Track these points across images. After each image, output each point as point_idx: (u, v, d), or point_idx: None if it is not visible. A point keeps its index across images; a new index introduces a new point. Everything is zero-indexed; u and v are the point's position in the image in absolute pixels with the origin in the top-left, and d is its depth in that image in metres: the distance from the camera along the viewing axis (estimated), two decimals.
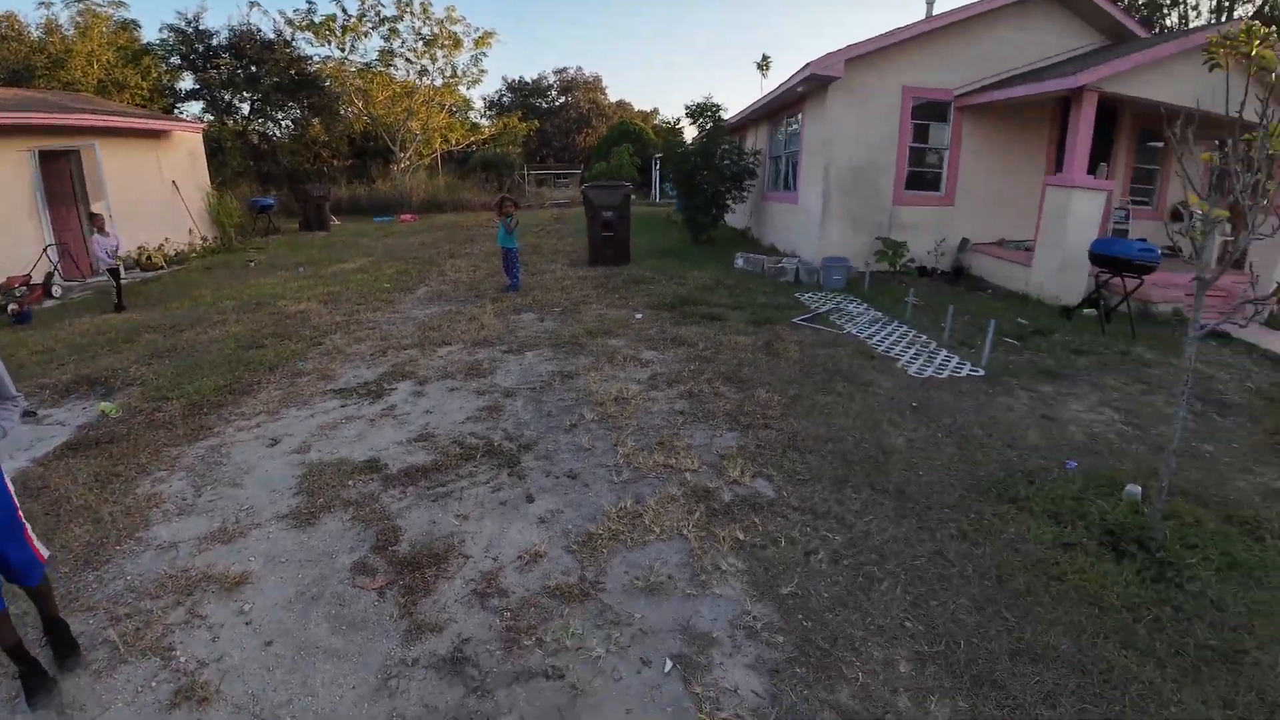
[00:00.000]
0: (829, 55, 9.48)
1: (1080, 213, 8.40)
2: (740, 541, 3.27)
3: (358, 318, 7.65)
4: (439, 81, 28.80)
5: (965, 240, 10.70)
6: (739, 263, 10.75)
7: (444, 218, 21.75)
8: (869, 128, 10.14)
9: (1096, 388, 5.61)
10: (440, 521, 3.44)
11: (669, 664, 2.52)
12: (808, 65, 9.63)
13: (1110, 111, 9.36)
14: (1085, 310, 7.98)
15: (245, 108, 28.58)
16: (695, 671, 2.49)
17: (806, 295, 8.88)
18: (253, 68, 26.73)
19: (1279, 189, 3.13)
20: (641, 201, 29.22)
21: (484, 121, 37.50)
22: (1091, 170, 8.92)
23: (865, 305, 8.34)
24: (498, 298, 8.57)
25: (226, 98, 27.75)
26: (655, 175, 30.39)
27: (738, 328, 7.02)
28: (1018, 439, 4.49)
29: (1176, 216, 8.47)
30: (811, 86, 10.35)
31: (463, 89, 30.63)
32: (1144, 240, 7.93)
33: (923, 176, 10.76)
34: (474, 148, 32.76)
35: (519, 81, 45.32)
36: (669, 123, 30.61)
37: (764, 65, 46.17)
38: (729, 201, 13.32)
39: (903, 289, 8.25)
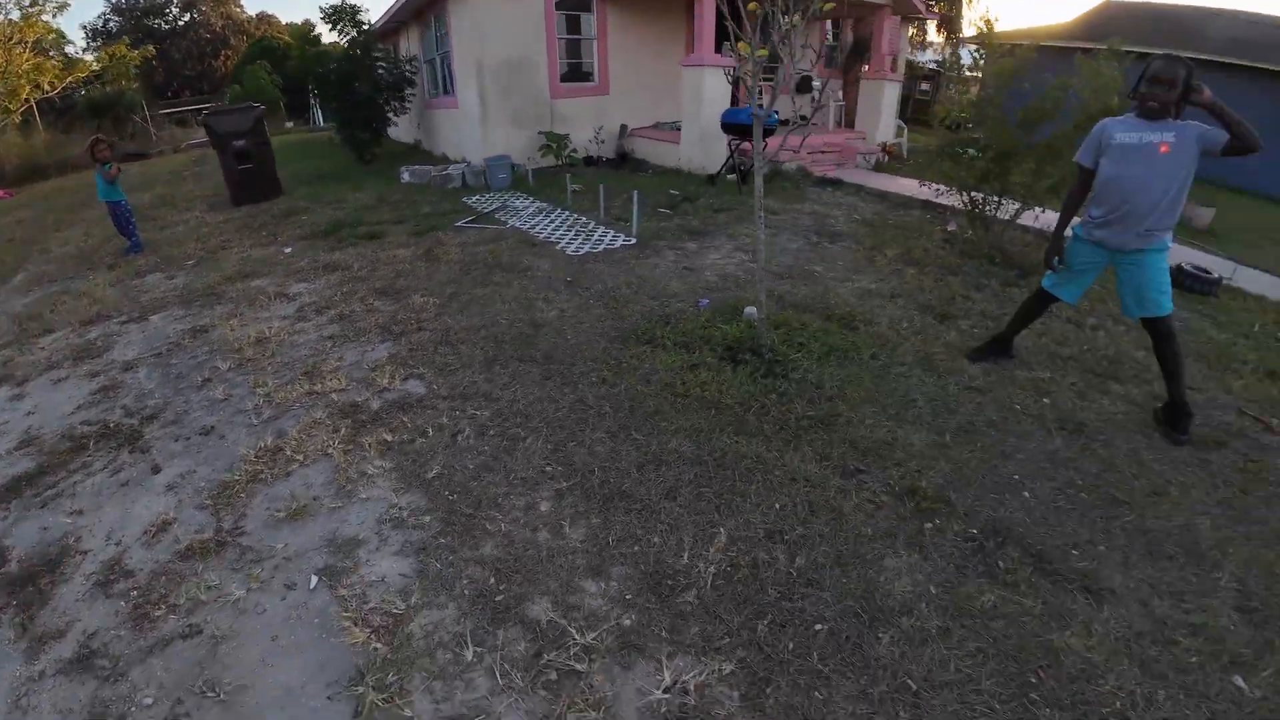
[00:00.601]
0: None
1: (711, 89, 9.18)
2: (387, 443, 3.18)
3: None
4: (16, 14, 22.15)
5: (624, 126, 11.22)
6: (405, 176, 10.13)
7: (49, 184, 17.24)
8: (516, 21, 9.88)
9: (731, 238, 6.35)
10: (52, 526, 2.91)
11: (314, 579, 2.44)
12: None
13: None
14: (728, 176, 8.91)
15: None
16: (340, 576, 2.43)
17: (474, 199, 8.69)
18: None
19: (805, 27, 3.63)
20: (302, 127, 26.10)
21: (88, 56, 30.01)
22: (719, 50, 9.74)
23: (531, 199, 8.42)
24: (115, 264, 7.12)
25: None
26: (314, 96, 27.09)
27: (398, 241, 6.66)
28: (661, 291, 4.93)
29: (802, 88, 9.59)
30: None
31: (48, 18, 23.94)
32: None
33: (578, 68, 10.91)
34: (77, 90, 26.25)
35: (127, 1, 37.07)
36: (310, 32, 27.06)
37: None
38: (390, 115, 12.34)
39: (568, 180, 8.46)
